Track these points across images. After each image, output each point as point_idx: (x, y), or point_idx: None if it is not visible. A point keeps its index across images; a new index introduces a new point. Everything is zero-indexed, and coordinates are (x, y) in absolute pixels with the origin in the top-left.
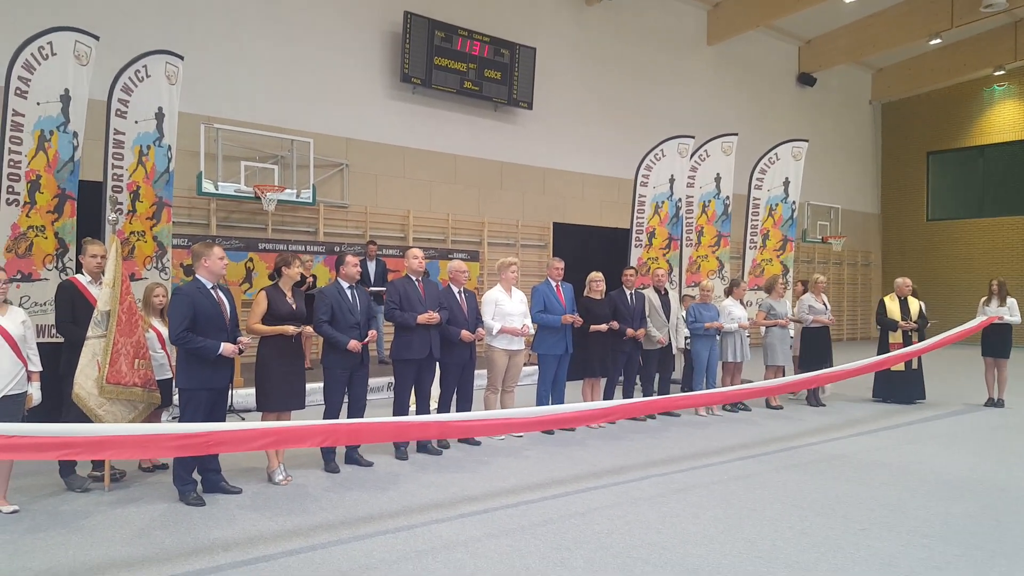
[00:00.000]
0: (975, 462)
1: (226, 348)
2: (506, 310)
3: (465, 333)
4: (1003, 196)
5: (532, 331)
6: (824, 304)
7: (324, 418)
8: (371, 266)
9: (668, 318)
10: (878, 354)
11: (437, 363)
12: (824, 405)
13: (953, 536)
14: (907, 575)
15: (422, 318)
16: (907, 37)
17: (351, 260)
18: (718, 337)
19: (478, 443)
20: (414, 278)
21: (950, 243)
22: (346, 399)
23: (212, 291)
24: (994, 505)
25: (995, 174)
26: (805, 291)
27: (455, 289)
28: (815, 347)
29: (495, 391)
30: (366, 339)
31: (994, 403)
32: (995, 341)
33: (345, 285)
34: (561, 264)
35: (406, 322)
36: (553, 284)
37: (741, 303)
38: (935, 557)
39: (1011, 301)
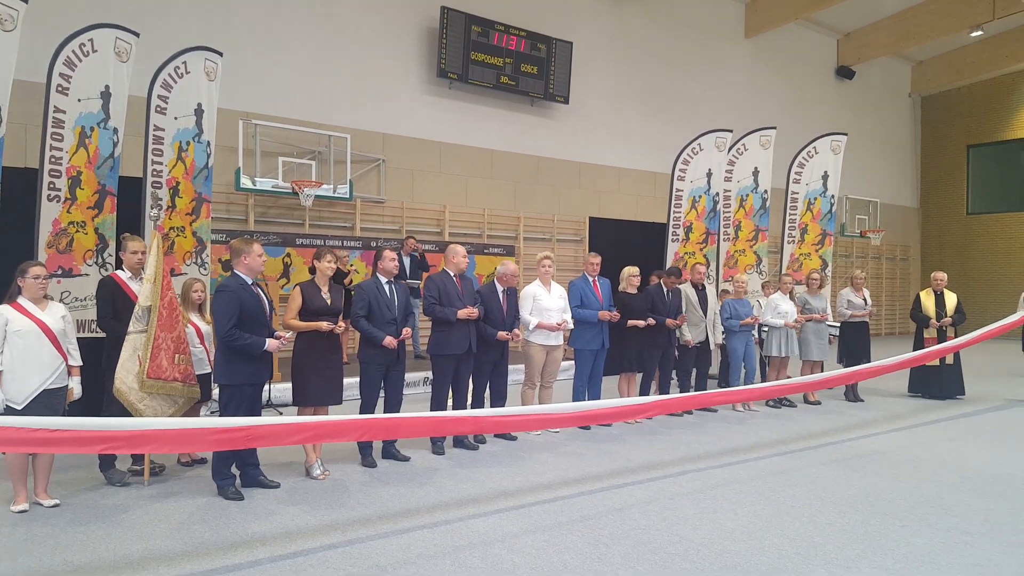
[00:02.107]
0: (1016, 459)
1: (271, 344)
2: (544, 305)
3: (502, 333)
4: None
5: (571, 326)
6: (864, 299)
7: (360, 413)
8: (406, 261)
9: (705, 314)
10: (914, 350)
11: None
12: (863, 400)
13: (995, 533)
14: (948, 572)
15: (462, 313)
16: (948, 29)
17: (389, 255)
18: (755, 333)
19: (514, 438)
20: (452, 274)
21: (990, 237)
22: (383, 394)
23: (252, 287)
24: None
25: None
26: (821, 286)
27: (499, 288)
28: (853, 342)
29: (532, 386)
30: (402, 336)
31: None
32: None
33: (383, 280)
34: (598, 259)
35: (447, 317)
36: (590, 279)
37: (790, 297)
38: (976, 554)
39: None
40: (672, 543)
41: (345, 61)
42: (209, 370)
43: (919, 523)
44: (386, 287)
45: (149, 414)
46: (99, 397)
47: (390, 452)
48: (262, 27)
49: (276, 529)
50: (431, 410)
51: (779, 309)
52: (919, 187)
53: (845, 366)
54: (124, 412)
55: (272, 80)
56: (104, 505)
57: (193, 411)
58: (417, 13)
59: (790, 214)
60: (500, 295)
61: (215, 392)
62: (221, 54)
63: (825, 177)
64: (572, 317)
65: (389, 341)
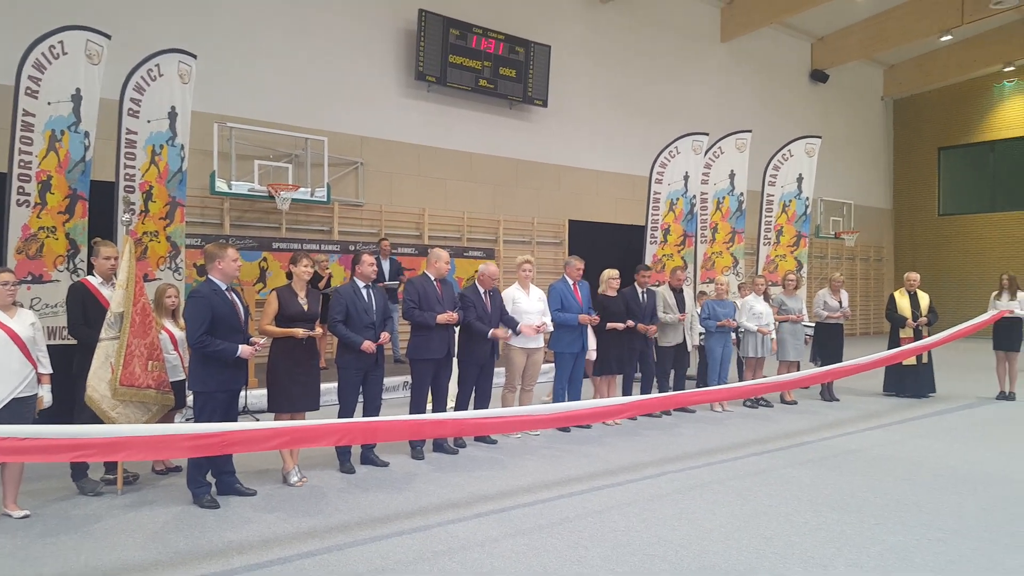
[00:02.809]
0: (988, 456)
1: (244, 350)
2: (523, 308)
3: (498, 331)
4: (1013, 191)
5: (551, 328)
6: (840, 302)
7: (339, 418)
8: (385, 264)
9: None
10: (888, 349)
11: (455, 362)
12: (838, 400)
13: (967, 530)
14: (922, 569)
15: (442, 318)
16: (918, 33)
17: (367, 259)
18: (733, 334)
19: (494, 442)
20: (433, 278)
21: (961, 238)
22: (361, 399)
23: (226, 292)
24: (1008, 498)
25: (1005, 169)
26: (797, 287)
27: (481, 289)
28: (827, 343)
29: (513, 390)
30: (380, 340)
31: (1006, 396)
32: (1006, 335)
33: (361, 284)
34: (582, 264)
35: (425, 321)
36: (571, 282)
37: (765, 299)
38: (949, 551)
39: (1022, 295)
40: (651, 544)
41: (322, 63)
42: (184, 377)
43: (893, 521)
44: (364, 291)
45: (122, 422)
46: (70, 405)
47: (369, 458)
48: (237, 29)
49: (252, 537)
50: (410, 414)
51: (754, 310)
52: (892, 189)
53: (818, 366)
54: (96, 420)
55: (247, 82)
56: (76, 515)
57: (167, 418)
58: (395, 15)
59: (766, 216)
60: (483, 295)
61: (190, 399)
62: (195, 57)
63: (800, 179)
64: (552, 320)
65: (367, 345)
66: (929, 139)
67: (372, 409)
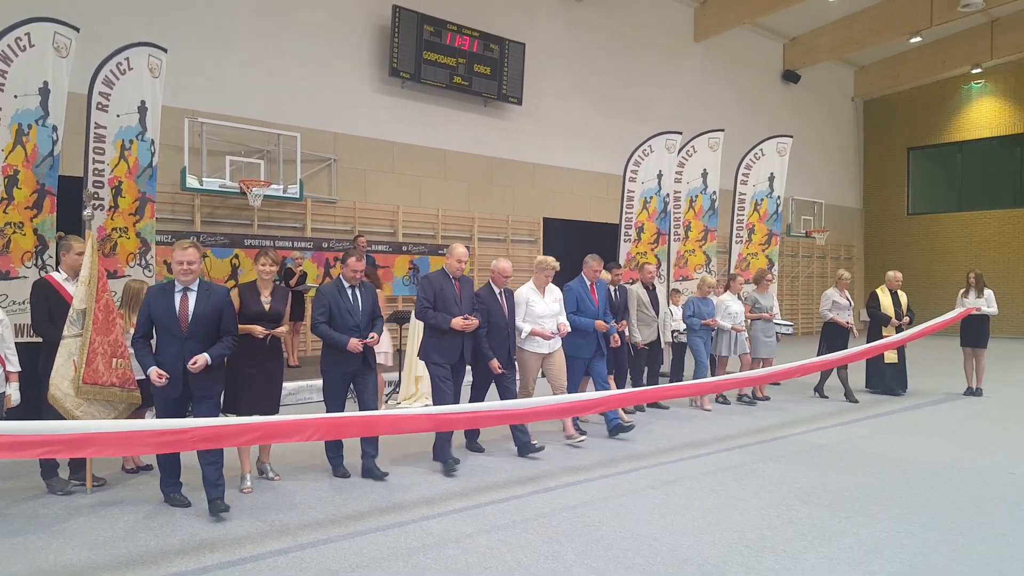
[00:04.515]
0: (955, 450)
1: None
2: (537, 312)
3: (495, 363)
4: (980, 191)
5: (568, 328)
6: (848, 299)
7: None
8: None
9: (656, 313)
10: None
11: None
12: (827, 397)
13: (934, 522)
14: (891, 561)
15: (457, 323)
16: (888, 35)
17: (352, 262)
18: (713, 333)
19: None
20: (452, 276)
21: (930, 237)
22: (355, 401)
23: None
24: (973, 491)
25: (973, 169)
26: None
27: (496, 289)
28: (834, 341)
29: (528, 395)
30: (369, 340)
31: (973, 392)
32: (973, 332)
33: (346, 284)
34: (600, 265)
35: (439, 325)
36: (588, 283)
37: (739, 298)
38: (916, 543)
39: (988, 292)
40: (625, 538)
41: (295, 58)
42: None
43: (863, 515)
44: (348, 291)
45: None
46: (38, 403)
47: (370, 471)
48: (208, 23)
49: (225, 535)
50: (487, 425)
51: (729, 309)
52: (862, 188)
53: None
54: (62, 419)
55: (219, 77)
56: (45, 515)
57: (137, 416)
58: (368, 11)
59: (738, 215)
60: (498, 296)
61: None
62: (166, 50)
63: (771, 178)
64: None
65: (353, 344)
66: (898, 139)
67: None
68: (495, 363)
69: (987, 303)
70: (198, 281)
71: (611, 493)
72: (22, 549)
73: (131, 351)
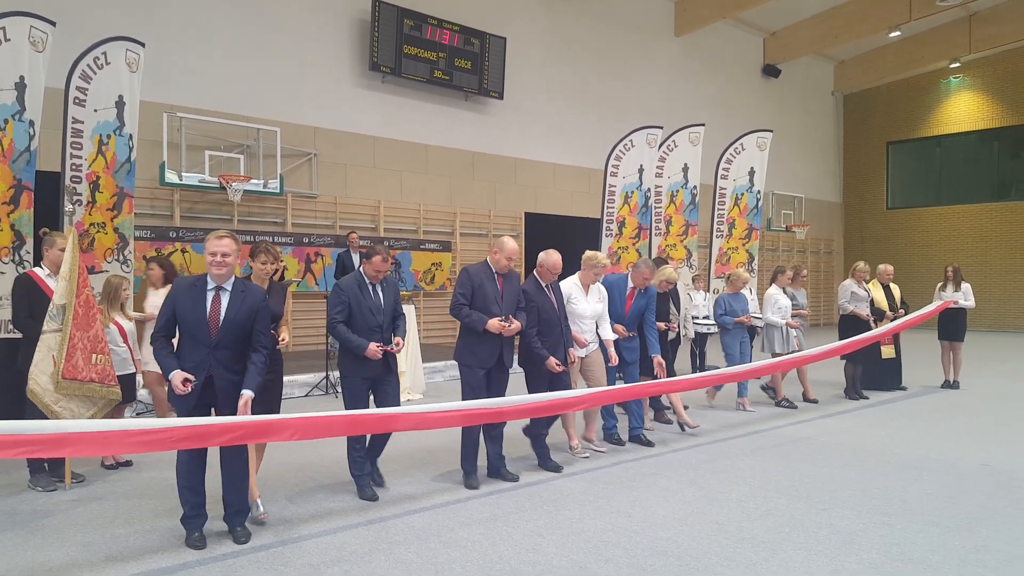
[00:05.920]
0: (932, 442)
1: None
2: (577, 311)
3: (552, 361)
4: (959, 185)
5: (594, 347)
6: (866, 291)
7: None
8: (356, 258)
9: (678, 310)
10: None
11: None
12: (867, 398)
13: (911, 514)
14: (868, 552)
15: (493, 325)
16: (868, 30)
17: (377, 262)
18: (759, 329)
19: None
20: (495, 271)
21: (909, 230)
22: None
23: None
24: (949, 483)
25: (951, 163)
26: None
27: (543, 283)
28: (850, 336)
29: None
30: (393, 347)
31: (950, 385)
32: (951, 325)
33: (367, 280)
34: (651, 273)
35: (473, 326)
36: (630, 286)
37: (784, 292)
38: (893, 534)
39: (965, 286)
40: (605, 531)
41: (274, 52)
42: (133, 370)
43: (841, 506)
44: (370, 287)
45: (66, 416)
46: (18, 400)
47: (375, 479)
48: (187, 17)
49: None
50: (463, 424)
51: (778, 303)
52: (842, 183)
53: (841, 359)
54: (43, 416)
55: (197, 71)
56: (23, 511)
57: (116, 412)
58: (348, 5)
59: (718, 209)
60: (546, 290)
61: (141, 393)
62: (143, 45)
63: (752, 173)
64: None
65: (372, 351)
66: (878, 134)
67: None
68: (552, 361)
69: (964, 297)
70: (233, 279)
71: (591, 486)
72: None
73: (130, 347)
